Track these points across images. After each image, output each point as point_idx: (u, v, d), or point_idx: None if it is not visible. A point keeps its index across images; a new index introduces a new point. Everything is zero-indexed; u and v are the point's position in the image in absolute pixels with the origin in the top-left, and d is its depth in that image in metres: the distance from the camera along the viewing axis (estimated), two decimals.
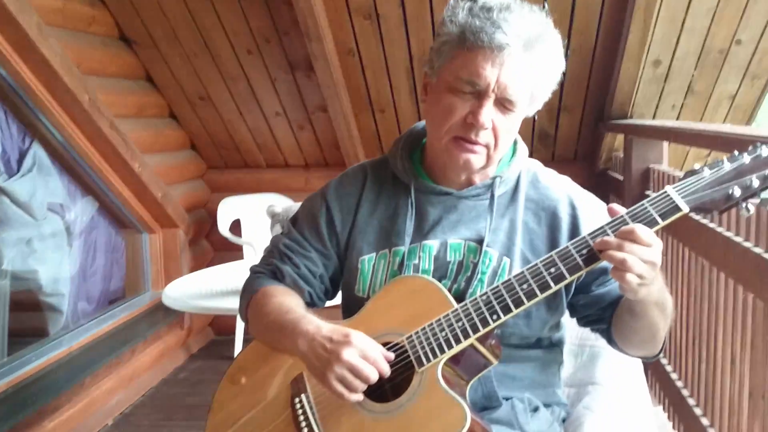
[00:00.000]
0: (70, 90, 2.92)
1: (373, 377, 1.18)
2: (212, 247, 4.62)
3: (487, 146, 1.31)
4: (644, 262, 1.13)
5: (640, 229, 1.14)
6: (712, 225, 2.07)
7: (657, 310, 1.26)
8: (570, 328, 1.54)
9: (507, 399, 1.37)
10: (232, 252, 4.24)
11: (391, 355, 1.23)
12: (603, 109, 3.70)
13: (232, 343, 4.15)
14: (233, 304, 2.38)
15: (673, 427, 2.51)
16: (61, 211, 3.42)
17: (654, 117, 3.72)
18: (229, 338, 4.34)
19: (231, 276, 2.77)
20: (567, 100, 3.65)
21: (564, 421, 1.49)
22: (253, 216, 4.19)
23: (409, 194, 1.42)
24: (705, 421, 2.19)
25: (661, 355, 1.41)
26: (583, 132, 3.90)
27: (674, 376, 2.56)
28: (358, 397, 1.20)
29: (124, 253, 3.96)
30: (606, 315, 1.38)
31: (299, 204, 2.39)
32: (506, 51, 1.23)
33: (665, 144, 3.05)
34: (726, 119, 3.81)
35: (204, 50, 3.65)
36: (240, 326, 4.06)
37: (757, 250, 1.71)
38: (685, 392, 2.41)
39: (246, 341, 4.08)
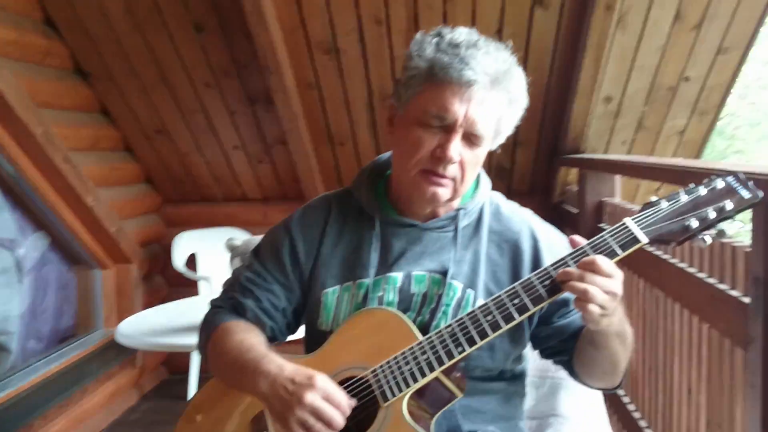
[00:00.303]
0: (23, 122, 2.86)
1: (337, 421, 1.16)
2: (167, 282, 4.52)
3: (454, 179, 1.32)
4: (605, 293, 1.15)
5: (601, 260, 1.16)
6: (666, 257, 2.11)
7: (618, 341, 1.28)
8: (531, 360, 1.55)
9: None
10: (188, 287, 4.15)
11: (354, 401, 1.21)
12: (557, 144, 3.78)
13: (186, 382, 4.06)
14: (189, 340, 2.34)
15: None
16: (11, 246, 3.32)
17: (605, 152, 3.81)
18: (183, 377, 4.24)
19: (186, 312, 2.71)
20: (522, 134, 3.71)
21: None
22: (210, 250, 4.13)
23: (374, 226, 1.42)
24: None
25: (621, 386, 1.42)
26: (538, 166, 3.96)
27: (631, 407, 2.58)
28: None
29: (75, 290, 3.85)
30: (568, 346, 1.39)
31: (260, 237, 2.38)
32: (474, 87, 1.26)
33: (617, 178, 3.12)
34: (675, 154, 3.91)
35: (161, 83, 3.61)
36: (195, 364, 3.98)
37: (711, 281, 1.75)
38: (643, 423, 2.43)
39: (202, 380, 4.00)
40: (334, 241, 1.45)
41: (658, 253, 2.18)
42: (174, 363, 4.44)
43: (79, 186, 3.32)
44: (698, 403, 1.90)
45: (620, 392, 2.68)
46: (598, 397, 1.67)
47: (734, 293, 1.59)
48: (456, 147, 1.28)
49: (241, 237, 4.18)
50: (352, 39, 3.29)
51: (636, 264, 2.43)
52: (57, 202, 3.34)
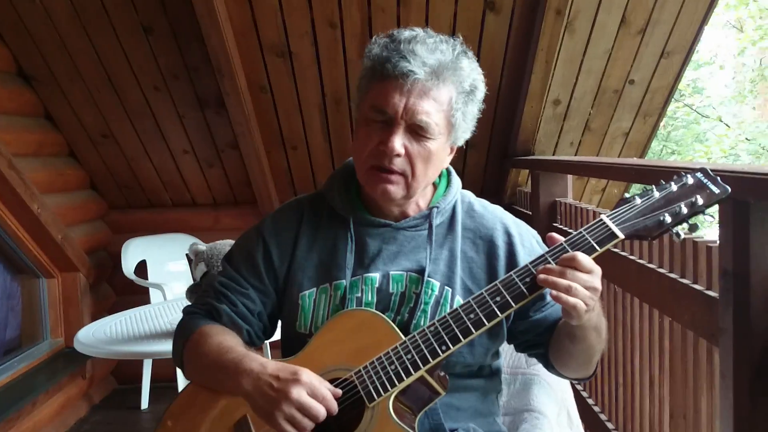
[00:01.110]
0: None
1: (322, 415, 1.17)
2: (114, 291, 4.41)
3: (403, 174, 1.32)
4: (586, 288, 1.17)
5: (581, 257, 1.19)
6: (624, 253, 2.17)
7: (595, 334, 1.31)
8: (503, 357, 1.57)
9: (453, 430, 1.38)
10: (137, 295, 4.05)
11: (339, 392, 1.21)
12: (507, 146, 3.85)
13: (136, 391, 3.98)
14: (151, 347, 2.29)
15: None
16: None
17: (554, 153, 3.89)
18: (132, 387, 4.15)
19: (144, 320, 2.65)
20: (474, 137, 3.73)
21: None
22: (160, 257, 4.05)
23: (348, 227, 1.42)
24: None
25: (594, 375, 1.46)
26: (489, 168, 4.03)
27: (591, 401, 2.64)
28: None
29: (20, 300, 3.72)
30: (543, 340, 1.42)
31: (224, 242, 2.36)
32: (411, 78, 1.26)
33: (570, 178, 3.19)
34: (620, 154, 4.03)
35: (108, 86, 3.53)
36: (147, 373, 3.90)
37: (673, 275, 1.81)
38: (603, 417, 2.49)
39: (153, 389, 3.92)
40: (308, 244, 1.44)
41: (616, 249, 2.23)
42: (123, 373, 4.34)
43: (25, 193, 3.21)
44: (661, 395, 1.96)
45: (578, 387, 2.74)
46: (568, 391, 1.70)
47: (698, 287, 1.64)
48: (398, 139, 1.28)
49: (200, 242, 4.12)
50: (306, 42, 3.28)
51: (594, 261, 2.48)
52: (1, 209, 3.22)
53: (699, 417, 1.70)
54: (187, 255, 2.27)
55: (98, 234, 4.22)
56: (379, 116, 1.30)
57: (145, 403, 3.92)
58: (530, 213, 3.43)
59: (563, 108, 3.65)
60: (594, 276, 1.19)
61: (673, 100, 4.08)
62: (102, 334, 2.42)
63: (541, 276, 1.20)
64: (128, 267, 3.88)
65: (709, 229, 1.56)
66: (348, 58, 3.35)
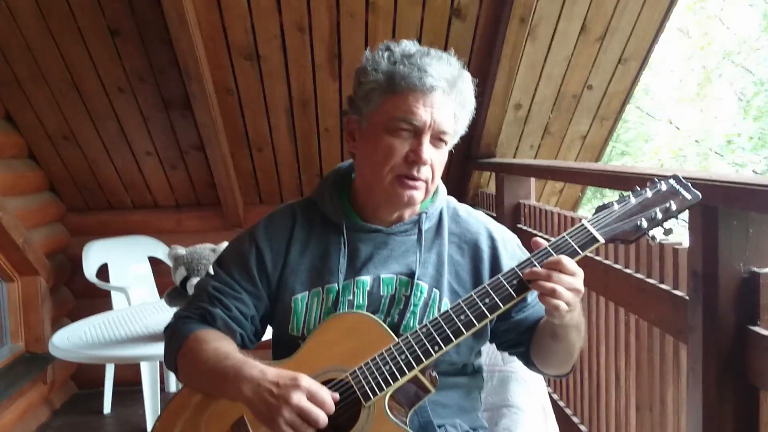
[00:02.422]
0: None
1: (322, 419, 1.20)
2: (74, 295, 4.35)
3: (426, 181, 1.39)
4: (570, 290, 1.24)
5: (566, 260, 1.26)
6: (590, 255, 2.26)
7: (575, 332, 1.39)
8: (483, 355, 1.63)
9: (440, 426, 1.44)
10: (98, 299, 4.00)
11: (337, 396, 1.26)
12: (470, 148, 3.93)
13: (97, 395, 3.94)
14: (130, 351, 2.30)
15: None
16: None
17: (514, 156, 4.00)
18: (92, 391, 4.11)
19: (117, 324, 2.65)
20: None
21: None
22: (122, 260, 4.01)
23: (341, 233, 1.47)
24: None
25: (572, 372, 1.53)
26: (452, 170, 4.11)
27: (555, 396, 2.74)
28: None
29: None
30: (524, 339, 1.48)
31: (203, 245, 2.38)
32: (435, 90, 1.34)
33: (533, 181, 3.29)
34: (578, 157, 4.17)
35: (72, 89, 3.49)
36: (109, 377, 3.86)
37: (639, 275, 1.90)
38: (569, 411, 2.59)
39: (116, 393, 3.89)
40: (301, 249, 1.48)
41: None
42: (83, 377, 4.30)
43: None
44: (627, 389, 2.05)
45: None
46: (543, 387, 1.78)
47: (665, 287, 1.74)
48: (428, 149, 1.36)
49: (158, 247, 4.10)
50: (274, 45, 3.30)
51: None
52: None
53: (665, 409, 1.80)
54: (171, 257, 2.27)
55: (57, 237, 4.16)
56: (405, 126, 1.35)
57: (107, 408, 3.89)
58: (494, 215, 3.52)
59: (524, 112, 3.76)
60: (577, 278, 1.26)
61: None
62: (77, 338, 2.40)
63: (527, 278, 1.26)
64: (90, 270, 3.84)
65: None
66: (316, 63, 3.39)
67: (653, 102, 13.12)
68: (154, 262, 4.13)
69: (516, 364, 1.81)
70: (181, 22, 2.97)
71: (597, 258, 2.22)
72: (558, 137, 3.99)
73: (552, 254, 1.29)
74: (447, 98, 1.36)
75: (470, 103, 1.44)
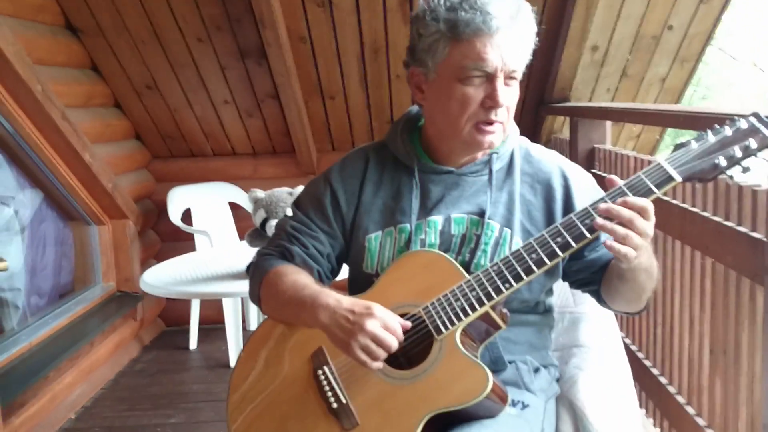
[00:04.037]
0: (22, 80, 2.85)
1: (394, 346, 1.26)
2: (159, 237, 4.57)
3: (502, 122, 1.41)
4: (641, 235, 1.24)
5: (650, 206, 1.24)
6: (666, 198, 2.23)
7: (645, 275, 1.38)
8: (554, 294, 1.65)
9: (511, 362, 1.48)
10: (181, 242, 4.21)
11: (409, 324, 1.31)
12: (543, 93, 3.87)
13: (183, 333, 4.16)
14: (217, 288, 2.42)
15: None
16: (10, 203, 3.33)
17: (590, 100, 3.91)
18: (179, 329, 4.35)
19: (205, 263, 2.79)
20: None
21: (558, 380, 1.61)
22: (205, 205, 4.17)
23: (413, 174, 1.50)
24: (663, 380, 2.37)
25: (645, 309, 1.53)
26: (525, 116, 4.06)
27: (628, 341, 2.74)
28: (379, 365, 1.28)
29: (72, 246, 3.88)
30: (597, 277, 1.49)
31: (281, 189, 2.46)
32: (499, 31, 1.33)
33: (608, 125, 3.23)
34: (656, 100, 4.04)
35: (153, 38, 3.60)
36: (195, 315, 4.06)
37: (717, 218, 1.88)
38: (641, 355, 2.59)
39: (201, 330, 4.09)
40: (373, 190, 1.53)
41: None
42: (170, 316, 4.53)
43: (77, 143, 3.33)
44: (701, 333, 2.05)
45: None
46: (615, 329, 1.79)
47: (742, 229, 1.71)
48: (503, 92, 1.36)
49: (234, 192, 4.24)
50: None
51: None
52: (55, 158, 3.34)
53: (740, 352, 1.79)
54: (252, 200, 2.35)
55: (143, 183, 4.35)
56: (476, 73, 1.35)
57: (193, 344, 4.10)
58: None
59: (601, 54, 3.66)
60: (650, 223, 1.25)
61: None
62: (166, 276, 2.55)
63: (599, 221, 1.26)
64: (174, 214, 4.01)
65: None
66: (387, 7, 3.38)
67: (736, 44, 12.46)
68: (233, 207, 4.28)
69: (587, 306, 1.82)
70: None
71: (674, 201, 2.19)
72: (636, 80, 3.88)
73: (627, 193, 1.28)
74: (512, 34, 1.35)
75: (533, 31, 1.41)
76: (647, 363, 2.52)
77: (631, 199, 1.25)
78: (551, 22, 3.47)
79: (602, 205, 1.26)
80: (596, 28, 3.47)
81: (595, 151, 3.19)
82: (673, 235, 2.22)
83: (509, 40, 1.34)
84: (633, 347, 2.68)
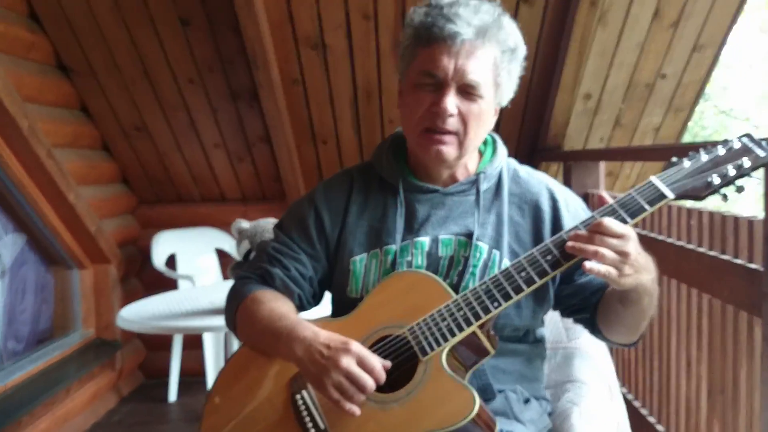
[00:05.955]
0: (10, 115, 2.81)
1: (370, 385, 1.19)
2: (142, 285, 4.45)
3: (456, 134, 1.35)
4: (617, 253, 1.18)
5: (608, 221, 1.20)
6: (661, 237, 2.18)
7: (647, 299, 1.32)
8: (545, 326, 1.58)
9: (500, 391, 1.39)
10: (165, 289, 4.08)
11: (389, 364, 1.23)
12: (537, 140, 3.86)
13: (163, 386, 4.01)
14: (194, 323, 2.33)
15: None
16: None
17: (584, 148, 3.90)
18: (159, 381, 4.19)
19: (184, 300, 2.70)
20: (504, 130, 3.77)
21: (550, 415, 1.52)
22: (190, 250, 4.09)
23: (398, 193, 1.45)
24: (660, 428, 2.26)
25: (638, 343, 1.46)
26: (519, 162, 4.02)
27: (624, 390, 2.64)
28: (354, 408, 1.20)
29: (53, 291, 3.78)
30: (589, 304, 1.43)
31: (266, 220, 2.39)
32: (458, 39, 1.30)
33: (602, 170, 3.20)
34: None
35: (144, 79, 3.58)
36: (176, 366, 3.92)
37: (712, 253, 1.82)
38: (637, 403, 2.49)
39: (181, 383, 3.95)
40: (359, 211, 1.47)
41: (653, 234, 2.24)
42: (150, 367, 4.39)
43: (62, 182, 3.27)
44: (698, 375, 1.96)
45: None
46: (609, 366, 1.71)
47: (739, 261, 1.65)
48: (451, 100, 1.32)
49: (221, 238, 4.16)
50: (340, 34, 3.32)
51: None
52: (38, 198, 3.28)
53: (738, 390, 1.71)
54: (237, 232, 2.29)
55: (128, 228, 4.26)
56: (428, 80, 1.33)
57: (173, 396, 3.95)
58: None
59: (594, 102, 3.65)
60: (624, 241, 1.19)
61: (701, 100, 4.07)
62: (144, 312, 2.46)
63: (569, 243, 1.21)
64: (158, 259, 3.92)
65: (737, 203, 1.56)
66: (381, 51, 3.39)
67: (731, 101, 12.63)
68: (220, 254, 4.20)
69: (581, 341, 1.75)
70: (249, 9, 3.01)
71: (669, 240, 2.13)
72: (629, 129, 3.86)
73: (618, 211, 1.25)
74: (480, 47, 1.31)
75: (516, 49, 1.38)
76: (644, 411, 2.42)
77: (594, 221, 1.22)
78: (543, 68, 3.47)
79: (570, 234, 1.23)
80: (589, 76, 3.47)
81: (589, 196, 3.15)
82: (669, 273, 2.16)
83: (470, 52, 1.31)
84: (629, 396, 2.58)
